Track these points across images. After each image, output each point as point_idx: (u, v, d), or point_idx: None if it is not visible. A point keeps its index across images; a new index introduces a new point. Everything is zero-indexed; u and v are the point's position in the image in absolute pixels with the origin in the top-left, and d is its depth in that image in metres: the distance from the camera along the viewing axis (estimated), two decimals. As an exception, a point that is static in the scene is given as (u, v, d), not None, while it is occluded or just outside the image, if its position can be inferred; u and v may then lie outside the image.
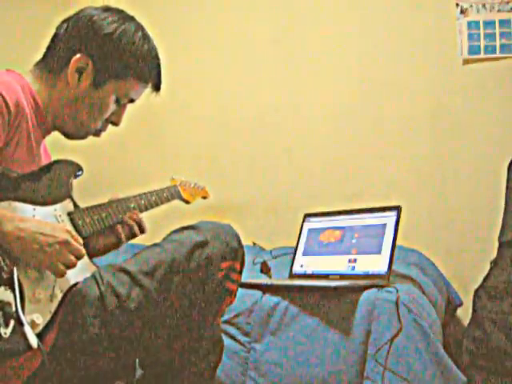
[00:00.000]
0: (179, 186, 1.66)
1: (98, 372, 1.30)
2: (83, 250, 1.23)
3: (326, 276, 1.92)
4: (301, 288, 1.82)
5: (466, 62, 2.62)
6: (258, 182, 2.87)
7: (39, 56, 1.41)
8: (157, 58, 1.44)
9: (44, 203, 1.30)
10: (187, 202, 1.68)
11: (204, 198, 1.78)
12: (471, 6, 2.59)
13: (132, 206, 1.49)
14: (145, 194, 1.53)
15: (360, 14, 2.77)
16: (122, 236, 1.47)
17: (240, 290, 1.46)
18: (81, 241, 1.24)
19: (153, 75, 1.44)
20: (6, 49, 2.92)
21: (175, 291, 1.31)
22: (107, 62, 1.37)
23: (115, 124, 1.46)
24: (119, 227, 1.46)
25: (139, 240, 1.54)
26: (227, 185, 2.84)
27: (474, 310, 2.02)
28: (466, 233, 2.58)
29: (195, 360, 1.39)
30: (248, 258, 1.52)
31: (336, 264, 1.93)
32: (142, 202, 1.51)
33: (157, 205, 1.55)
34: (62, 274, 1.20)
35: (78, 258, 1.22)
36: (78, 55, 1.35)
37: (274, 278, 2.06)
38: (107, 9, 1.41)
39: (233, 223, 1.45)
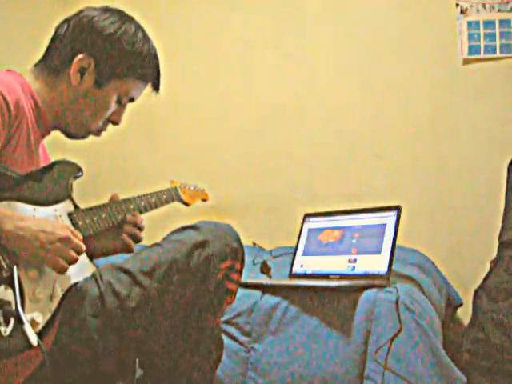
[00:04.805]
0: (179, 188, 1.66)
1: (98, 372, 1.31)
2: (83, 246, 1.24)
3: (326, 276, 1.92)
4: (301, 288, 1.82)
5: (465, 61, 2.62)
6: (258, 181, 2.87)
7: (39, 56, 1.42)
8: (156, 57, 1.45)
9: (44, 203, 1.31)
10: (187, 205, 1.68)
11: (204, 200, 1.78)
12: (471, 6, 2.59)
13: (132, 207, 1.49)
14: (145, 195, 1.53)
15: (360, 14, 2.77)
16: (132, 246, 1.47)
17: (240, 290, 1.47)
18: (81, 236, 1.25)
19: (152, 75, 1.45)
20: (6, 49, 2.92)
21: (175, 291, 1.31)
22: (109, 62, 1.38)
23: (115, 123, 1.46)
24: (126, 237, 1.46)
25: (139, 240, 1.54)
26: (227, 185, 2.84)
27: (474, 310, 2.02)
28: (466, 233, 2.58)
29: (195, 360, 1.39)
30: (248, 258, 1.52)
31: (336, 264, 1.93)
32: (142, 203, 1.51)
33: (156, 206, 1.55)
34: (63, 270, 1.21)
35: (79, 253, 1.23)
36: (81, 55, 1.36)
37: (273, 278, 2.06)
38: (107, 9, 1.42)
39: (233, 223, 1.45)
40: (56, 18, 1.46)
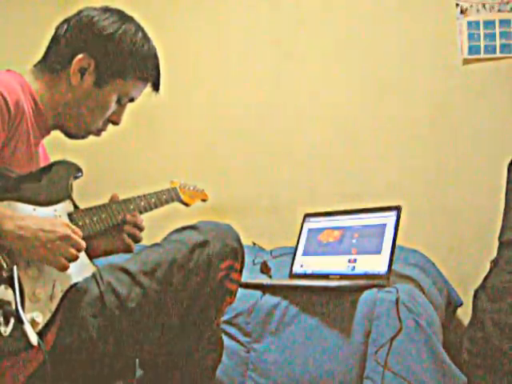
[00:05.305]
0: (179, 189, 1.66)
1: (98, 372, 1.31)
2: (83, 243, 1.24)
3: (326, 276, 1.92)
4: (301, 288, 1.82)
5: (465, 61, 2.62)
6: (258, 181, 2.87)
7: (39, 56, 1.42)
8: (156, 57, 1.45)
9: (44, 204, 1.31)
10: (186, 205, 1.68)
11: (203, 200, 1.78)
12: (471, 6, 2.59)
13: (131, 207, 1.49)
14: (144, 195, 1.53)
15: (360, 14, 2.77)
16: (132, 246, 1.47)
17: (240, 290, 1.47)
18: (80, 233, 1.25)
19: (152, 75, 1.45)
20: (6, 49, 2.92)
21: (175, 291, 1.31)
22: (109, 61, 1.38)
23: (115, 123, 1.46)
24: (126, 237, 1.46)
25: (139, 240, 1.53)
26: (227, 185, 2.84)
27: (474, 310, 2.02)
28: (466, 233, 2.58)
29: (195, 360, 1.39)
30: (248, 258, 1.52)
31: (336, 264, 1.93)
32: (142, 203, 1.51)
33: (156, 207, 1.55)
34: (64, 268, 1.21)
35: (79, 250, 1.23)
36: (81, 55, 1.36)
37: (273, 278, 2.06)
38: (107, 9, 1.42)
39: (233, 223, 1.45)
40: (56, 18, 1.45)
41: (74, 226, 1.25)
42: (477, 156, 2.60)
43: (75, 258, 1.22)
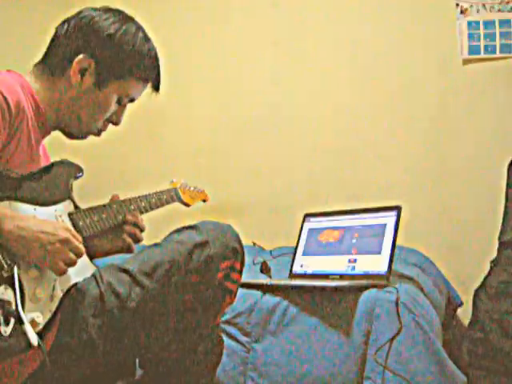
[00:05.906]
0: (179, 189, 1.66)
1: (98, 372, 1.31)
2: (83, 249, 1.24)
3: (325, 276, 1.92)
4: (301, 288, 1.82)
5: (465, 61, 2.62)
6: (258, 182, 2.87)
7: (39, 56, 1.42)
8: (156, 58, 1.46)
9: (44, 204, 1.31)
10: (187, 205, 1.69)
11: (204, 201, 1.79)
12: (471, 6, 2.59)
13: (132, 207, 1.49)
14: (145, 196, 1.53)
15: (360, 14, 2.77)
16: (132, 246, 1.48)
17: (240, 289, 1.47)
18: (80, 239, 1.25)
19: (153, 75, 1.45)
20: (6, 49, 2.93)
21: (175, 291, 1.31)
22: (109, 62, 1.38)
23: (115, 123, 1.47)
24: (126, 237, 1.47)
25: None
26: (227, 185, 2.84)
27: (474, 310, 2.02)
28: (466, 232, 2.58)
29: (195, 360, 1.39)
30: (248, 258, 1.52)
31: (336, 264, 1.93)
32: (142, 204, 1.51)
33: (157, 207, 1.55)
34: (62, 272, 1.21)
35: (78, 256, 1.23)
36: (81, 56, 1.36)
37: (274, 278, 2.06)
38: (107, 9, 1.42)
39: (233, 223, 1.45)
40: (56, 18, 1.45)
41: (74, 231, 1.25)
42: (477, 156, 2.60)
43: (73, 264, 1.22)
